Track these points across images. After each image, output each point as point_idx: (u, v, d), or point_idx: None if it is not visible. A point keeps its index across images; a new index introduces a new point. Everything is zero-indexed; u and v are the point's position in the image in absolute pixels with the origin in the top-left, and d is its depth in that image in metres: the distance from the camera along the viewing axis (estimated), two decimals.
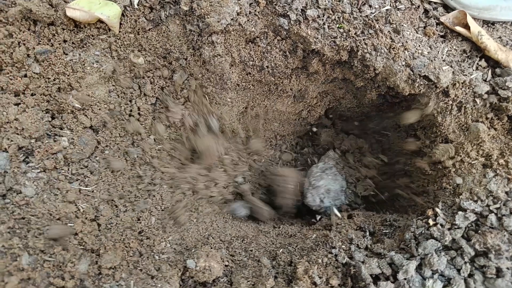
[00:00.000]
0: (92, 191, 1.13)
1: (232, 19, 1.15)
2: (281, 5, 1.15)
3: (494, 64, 1.19)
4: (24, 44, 1.07)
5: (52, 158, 1.08)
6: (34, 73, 1.08)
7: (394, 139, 1.50)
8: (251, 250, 1.24)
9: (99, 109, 1.17)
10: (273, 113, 1.50)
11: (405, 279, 1.05)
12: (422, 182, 1.31)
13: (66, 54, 1.12)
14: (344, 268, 1.10)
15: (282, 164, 1.62)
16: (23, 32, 1.08)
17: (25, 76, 1.07)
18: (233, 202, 1.53)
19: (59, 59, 1.10)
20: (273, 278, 1.11)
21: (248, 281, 1.11)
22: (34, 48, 1.08)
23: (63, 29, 1.11)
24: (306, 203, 1.53)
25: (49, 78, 1.09)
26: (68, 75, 1.10)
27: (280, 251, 1.22)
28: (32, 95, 1.09)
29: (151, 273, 1.08)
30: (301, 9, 1.16)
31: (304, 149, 1.70)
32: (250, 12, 1.17)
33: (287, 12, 1.15)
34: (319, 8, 1.16)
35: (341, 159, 1.59)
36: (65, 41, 1.12)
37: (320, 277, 1.08)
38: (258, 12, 1.18)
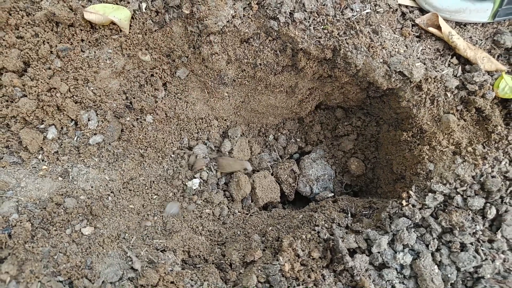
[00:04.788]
0: None
1: (227, 21, 1.29)
2: (271, 9, 1.30)
3: (464, 61, 1.30)
4: (48, 42, 1.24)
5: None
6: (56, 67, 1.24)
7: (377, 131, 1.62)
8: (244, 228, 1.37)
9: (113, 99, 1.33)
10: (267, 108, 1.64)
11: (378, 252, 1.17)
12: (401, 169, 1.42)
13: (83, 52, 1.28)
14: (326, 243, 1.22)
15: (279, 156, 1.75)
16: (47, 32, 1.25)
17: (49, 69, 1.24)
18: None
19: (77, 55, 1.26)
20: (261, 251, 1.24)
21: (239, 253, 1.24)
22: (56, 46, 1.24)
23: (81, 30, 1.27)
24: (297, 190, 1.66)
25: (68, 72, 1.26)
26: (85, 70, 1.27)
27: (270, 229, 1.35)
28: None
29: None
30: (289, 12, 1.30)
31: (297, 140, 1.82)
32: (244, 15, 1.32)
33: (277, 15, 1.29)
34: (306, 11, 1.30)
35: (331, 150, 1.72)
36: (82, 40, 1.28)
37: (303, 250, 1.20)
38: (251, 15, 1.32)
